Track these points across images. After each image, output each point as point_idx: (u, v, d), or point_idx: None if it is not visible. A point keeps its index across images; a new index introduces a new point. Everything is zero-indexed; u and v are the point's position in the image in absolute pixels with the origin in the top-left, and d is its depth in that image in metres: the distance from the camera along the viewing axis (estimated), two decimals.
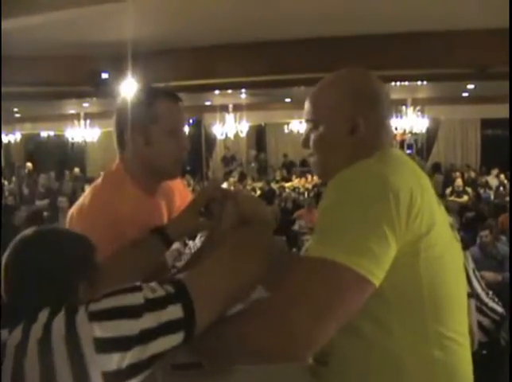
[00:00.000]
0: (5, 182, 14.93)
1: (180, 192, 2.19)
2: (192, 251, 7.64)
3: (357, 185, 1.34)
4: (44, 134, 21.20)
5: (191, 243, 7.87)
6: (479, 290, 3.70)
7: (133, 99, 1.92)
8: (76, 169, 17.82)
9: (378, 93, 1.56)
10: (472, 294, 3.09)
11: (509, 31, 5.44)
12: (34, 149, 21.24)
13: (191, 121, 16.21)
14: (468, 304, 1.72)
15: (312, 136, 1.58)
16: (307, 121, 1.60)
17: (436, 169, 15.85)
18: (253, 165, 19.43)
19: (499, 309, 3.76)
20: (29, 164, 18.34)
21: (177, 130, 1.92)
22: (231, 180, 15.94)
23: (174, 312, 1.25)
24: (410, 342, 1.39)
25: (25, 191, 14.14)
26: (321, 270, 1.28)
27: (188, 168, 16.01)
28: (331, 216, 1.34)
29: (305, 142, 1.61)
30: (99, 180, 1.98)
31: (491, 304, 3.77)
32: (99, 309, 1.19)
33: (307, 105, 1.60)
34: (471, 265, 3.69)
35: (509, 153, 8.74)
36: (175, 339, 1.25)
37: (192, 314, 1.27)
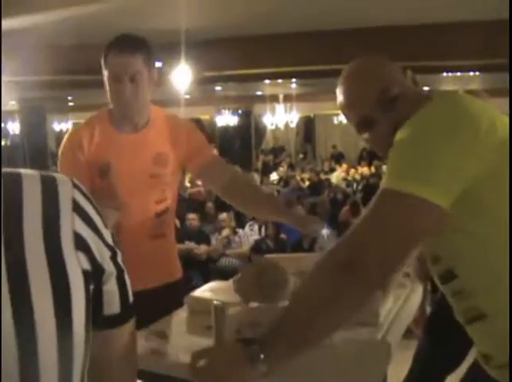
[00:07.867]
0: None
1: (188, 132, 2.58)
2: (242, 239, 7.69)
3: (437, 117, 1.36)
4: None
5: (241, 231, 7.92)
6: None
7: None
8: None
9: None
10: None
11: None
12: None
13: (240, 111, 16.25)
14: None
15: None
16: None
17: None
18: (301, 156, 19.40)
19: None
20: None
21: (118, 75, 2.28)
22: (281, 169, 15.94)
23: None
24: None
25: None
26: (398, 202, 1.30)
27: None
28: (410, 148, 1.34)
29: None
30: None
31: None
32: None
33: None
34: None
35: None
36: None
37: None
